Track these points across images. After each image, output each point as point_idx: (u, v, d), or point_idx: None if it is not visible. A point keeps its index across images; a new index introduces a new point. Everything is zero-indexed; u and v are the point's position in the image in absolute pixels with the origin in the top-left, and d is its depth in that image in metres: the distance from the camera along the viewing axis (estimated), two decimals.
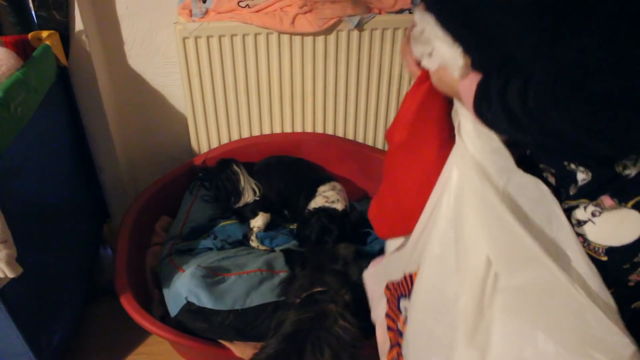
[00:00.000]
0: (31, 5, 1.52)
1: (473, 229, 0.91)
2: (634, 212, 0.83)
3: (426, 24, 0.88)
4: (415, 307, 1.08)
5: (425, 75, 0.97)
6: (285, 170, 1.88)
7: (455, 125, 0.96)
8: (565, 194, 0.93)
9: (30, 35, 1.49)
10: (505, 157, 0.89)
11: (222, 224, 1.77)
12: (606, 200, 0.85)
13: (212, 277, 1.47)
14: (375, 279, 1.35)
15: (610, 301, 0.87)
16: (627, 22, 0.62)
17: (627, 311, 1.08)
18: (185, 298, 1.42)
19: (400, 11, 1.75)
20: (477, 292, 0.91)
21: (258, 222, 1.77)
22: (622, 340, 0.83)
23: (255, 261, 1.57)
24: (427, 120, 1.02)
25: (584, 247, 0.88)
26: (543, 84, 0.70)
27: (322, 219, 1.71)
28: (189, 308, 1.41)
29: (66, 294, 1.54)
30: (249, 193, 1.79)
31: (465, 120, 0.91)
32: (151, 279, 1.67)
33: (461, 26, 0.80)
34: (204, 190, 1.89)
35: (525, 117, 0.73)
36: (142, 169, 2.07)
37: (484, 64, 0.82)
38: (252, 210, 1.78)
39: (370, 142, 2.02)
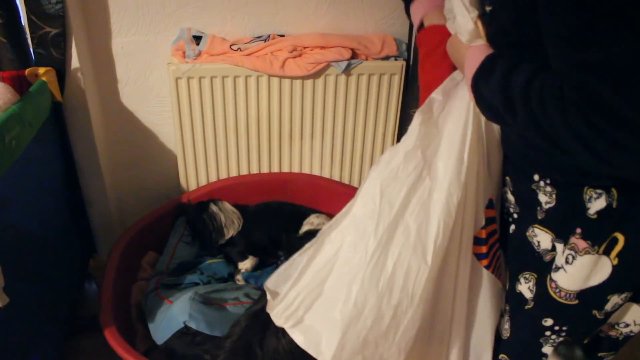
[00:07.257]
0: (30, 42, 1.57)
1: None
2: (604, 258, 0.86)
3: None
4: None
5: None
6: (273, 214, 1.91)
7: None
8: (531, 217, 0.95)
9: (27, 71, 1.53)
10: None
11: (208, 261, 1.78)
12: (580, 243, 0.87)
13: (210, 305, 1.49)
14: None
15: None
16: None
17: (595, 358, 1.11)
18: (184, 322, 1.42)
19: (386, 58, 1.82)
20: None
21: (246, 264, 1.79)
22: None
23: (247, 294, 1.61)
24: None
25: (555, 293, 0.92)
26: (551, 86, 0.68)
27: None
28: (186, 331, 1.42)
29: (49, 327, 1.54)
30: (231, 229, 1.82)
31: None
32: (135, 314, 1.67)
33: None
34: (190, 228, 1.90)
35: (522, 105, 0.72)
36: (130, 205, 2.09)
37: (501, 39, 0.82)
38: (242, 253, 1.81)
39: (355, 184, 2.06)
